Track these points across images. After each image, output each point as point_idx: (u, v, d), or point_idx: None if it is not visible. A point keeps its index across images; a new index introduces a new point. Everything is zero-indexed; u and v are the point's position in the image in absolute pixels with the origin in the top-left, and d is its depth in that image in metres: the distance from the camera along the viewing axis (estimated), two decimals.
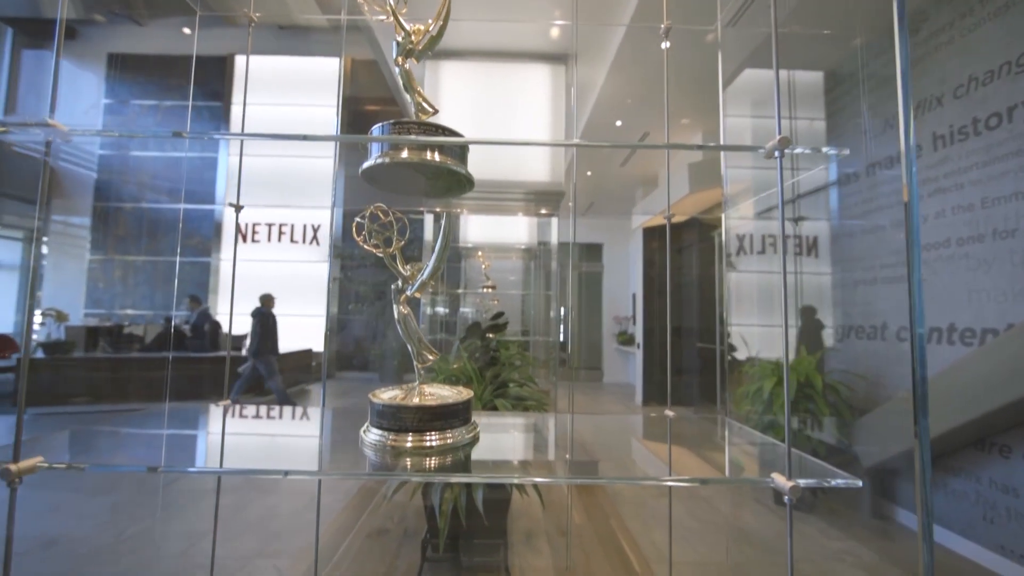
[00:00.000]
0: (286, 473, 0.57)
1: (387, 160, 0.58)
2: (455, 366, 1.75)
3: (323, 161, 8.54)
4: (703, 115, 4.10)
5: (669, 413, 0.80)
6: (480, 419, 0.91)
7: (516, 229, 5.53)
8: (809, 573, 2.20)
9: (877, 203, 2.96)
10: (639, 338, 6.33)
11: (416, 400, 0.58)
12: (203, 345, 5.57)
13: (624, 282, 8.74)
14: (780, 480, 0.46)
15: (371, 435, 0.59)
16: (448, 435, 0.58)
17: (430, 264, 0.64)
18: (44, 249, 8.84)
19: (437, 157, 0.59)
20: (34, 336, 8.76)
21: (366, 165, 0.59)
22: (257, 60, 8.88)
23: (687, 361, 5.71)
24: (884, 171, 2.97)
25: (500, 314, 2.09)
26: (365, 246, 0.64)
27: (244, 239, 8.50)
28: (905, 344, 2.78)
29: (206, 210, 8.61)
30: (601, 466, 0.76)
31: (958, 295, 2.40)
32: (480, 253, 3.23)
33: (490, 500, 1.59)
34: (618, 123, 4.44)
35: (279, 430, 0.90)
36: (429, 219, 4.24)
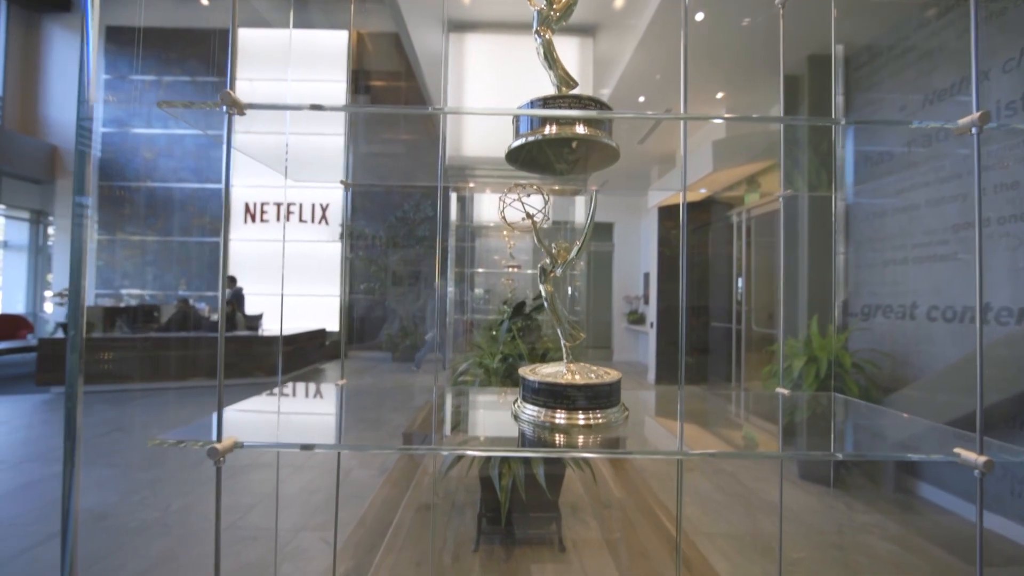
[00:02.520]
0: (489, 453, 0.57)
1: (539, 137, 0.56)
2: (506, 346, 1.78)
3: (332, 139, 8.38)
4: (736, 90, 4.02)
5: (783, 391, 0.81)
6: None
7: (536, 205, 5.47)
8: (840, 544, 2.27)
9: (912, 181, 2.92)
10: (652, 317, 6.35)
11: (568, 378, 0.59)
12: (228, 325, 5.59)
13: (635, 261, 8.72)
14: (968, 455, 0.47)
15: (527, 411, 0.60)
16: (600, 414, 0.58)
17: (580, 242, 0.63)
18: (51, 230, 8.79)
19: (582, 129, 0.58)
20: (46, 316, 8.78)
21: (517, 143, 0.58)
22: (261, 33, 8.63)
23: (704, 340, 5.75)
24: (920, 148, 2.92)
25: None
26: (508, 223, 0.64)
27: (253, 218, 8.44)
28: (936, 324, 2.80)
29: (214, 190, 8.50)
30: (703, 441, 0.77)
31: (997, 274, 2.39)
32: (506, 233, 3.21)
33: (546, 475, 1.62)
34: (641, 99, 4.34)
35: (387, 406, 0.91)
36: (452, 196, 4.20)
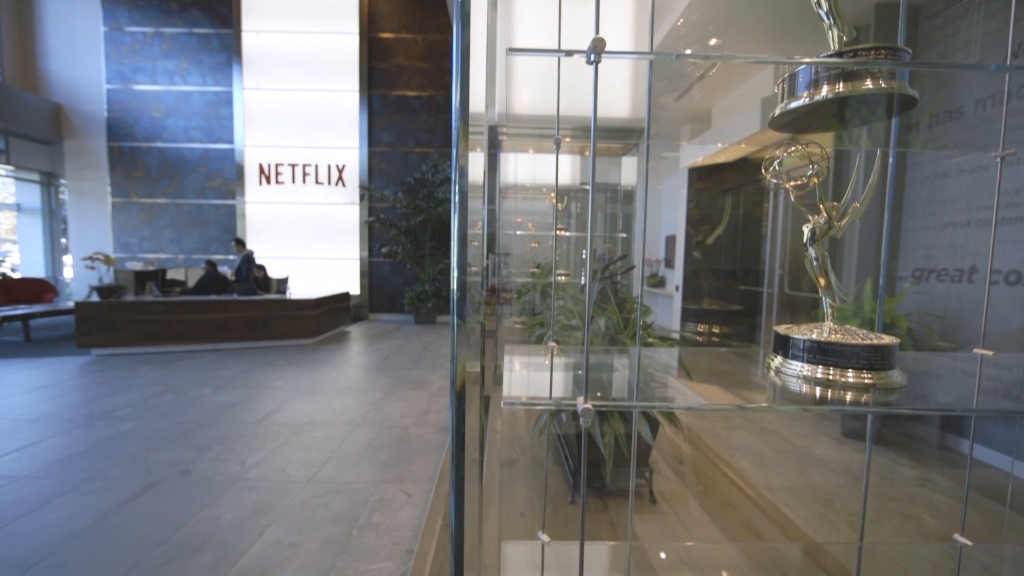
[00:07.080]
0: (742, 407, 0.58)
1: (829, 96, 0.54)
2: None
3: (347, 95, 8.07)
4: (789, 44, 3.82)
5: (985, 352, 0.81)
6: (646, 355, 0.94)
7: (563, 168, 5.36)
8: (895, 496, 2.37)
9: (985, 141, 2.83)
10: (678, 280, 6.35)
11: (839, 338, 0.59)
12: (251, 289, 5.60)
13: (656, 223, 8.61)
14: None
15: (791, 367, 0.61)
16: (872, 374, 0.59)
17: (859, 203, 0.62)
18: (63, 192, 8.64)
19: (875, 84, 0.55)
20: (66, 279, 8.80)
21: (794, 105, 0.55)
22: None
23: (737, 303, 5.78)
24: (996, 107, 2.81)
25: (624, 256, 2.08)
26: (777, 182, 0.62)
27: (268, 180, 8.27)
28: (996, 287, 2.79)
29: (227, 150, 8.29)
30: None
31: None
32: (553, 195, 3.15)
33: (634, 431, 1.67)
34: (688, 52, 4.15)
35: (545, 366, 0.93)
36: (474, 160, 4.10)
